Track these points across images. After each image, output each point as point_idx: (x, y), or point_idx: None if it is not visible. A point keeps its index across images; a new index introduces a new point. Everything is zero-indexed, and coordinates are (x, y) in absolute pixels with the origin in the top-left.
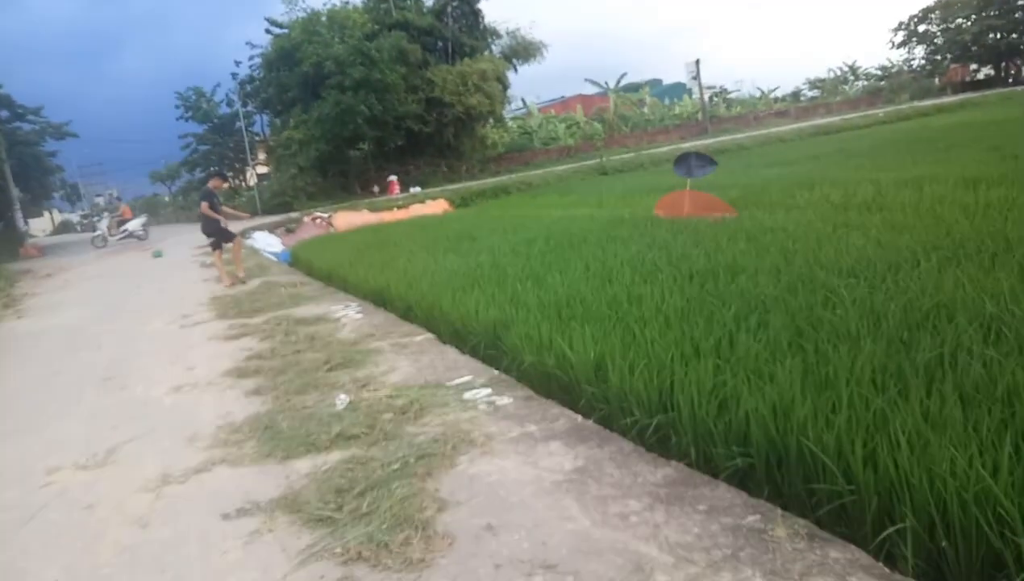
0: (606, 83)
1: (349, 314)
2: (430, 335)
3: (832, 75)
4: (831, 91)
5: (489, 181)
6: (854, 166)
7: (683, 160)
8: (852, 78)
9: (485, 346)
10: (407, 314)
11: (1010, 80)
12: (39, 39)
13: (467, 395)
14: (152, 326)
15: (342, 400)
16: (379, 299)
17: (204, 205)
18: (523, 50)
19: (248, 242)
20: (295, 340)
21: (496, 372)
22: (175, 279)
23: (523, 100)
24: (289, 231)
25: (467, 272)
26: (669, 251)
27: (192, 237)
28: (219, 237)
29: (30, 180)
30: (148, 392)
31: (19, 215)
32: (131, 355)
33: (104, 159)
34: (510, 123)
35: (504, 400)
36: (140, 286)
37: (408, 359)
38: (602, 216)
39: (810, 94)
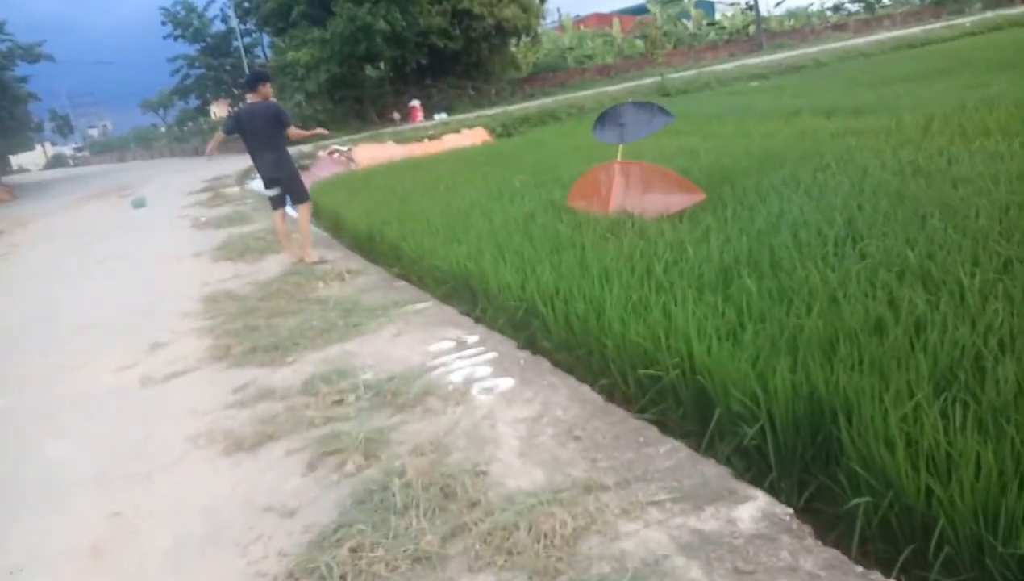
0: None
1: (476, 373)
2: (770, 504)
3: None
4: (870, 6)
5: (531, 104)
6: None
7: (611, 116)
8: None
9: (800, 458)
10: (521, 321)
11: None
12: None
13: None
14: (92, 373)
15: None
16: (464, 287)
17: (293, 130)
18: None
19: (251, 186)
20: (398, 488)
21: None
22: (155, 248)
23: (558, 11)
24: (302, 169)
25: (610, 246)
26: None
27: (184, 178)
28: (294, 187)
29: None
30: None
31: None
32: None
33: (96, 88)
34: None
35: None
36: (104, 261)
37: None
38: (738, 148)
39: (853, 8)
